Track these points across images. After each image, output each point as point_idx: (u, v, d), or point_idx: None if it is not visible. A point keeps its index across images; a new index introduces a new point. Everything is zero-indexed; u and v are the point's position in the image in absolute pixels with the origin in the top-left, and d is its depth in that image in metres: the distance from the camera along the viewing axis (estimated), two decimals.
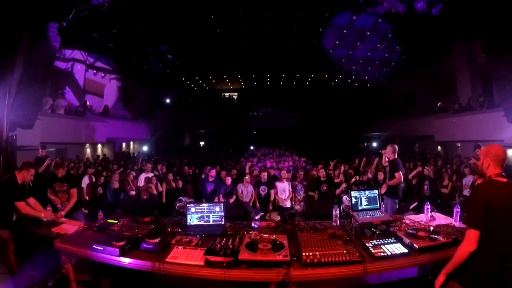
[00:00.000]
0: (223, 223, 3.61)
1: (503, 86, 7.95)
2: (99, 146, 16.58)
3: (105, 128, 15.43)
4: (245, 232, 3.28)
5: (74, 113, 13.53)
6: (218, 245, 2.76)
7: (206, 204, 3.70)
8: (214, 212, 3.64)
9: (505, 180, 2.29)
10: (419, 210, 6.39)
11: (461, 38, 13.46)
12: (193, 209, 3.64)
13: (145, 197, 7.89)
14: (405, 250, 2.89)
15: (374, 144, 19.96)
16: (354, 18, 11.98)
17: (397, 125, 19.13)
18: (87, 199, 8.23)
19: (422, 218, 3.99)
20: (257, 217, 7.07)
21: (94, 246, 2.97)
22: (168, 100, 25.16)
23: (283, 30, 13.48)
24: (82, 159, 13.35)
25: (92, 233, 3.52)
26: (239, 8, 11.22)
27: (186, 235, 3.25)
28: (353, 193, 3.75)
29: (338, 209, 3.84)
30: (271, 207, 7.51)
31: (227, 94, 28.24)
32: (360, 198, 3.73)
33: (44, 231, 4.15)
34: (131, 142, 20.59)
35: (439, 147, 15.36)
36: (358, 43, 14.97)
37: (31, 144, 9.46)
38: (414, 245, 2.93)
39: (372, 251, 2.85)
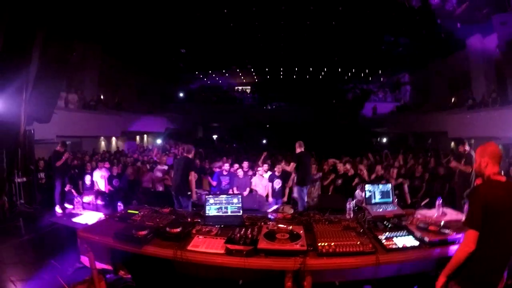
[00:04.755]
0: (240, 214, 3.74)
1: None
2: (114, 139, 16.87)
3: (119, 121, 15.75)
4: (262, 223, 3.40)
5: (88, 107, 13.78)
6: (238, 235, 2.89)
7: (224, 196, 3.83)
8: (232, 203, 3.77)
9: (504, 178, 2.32)
10: (430, 206, 6.45)
11: (476, 32, 13.20)
12: (211, 201, 3.77)
13: (160, 189, 8.08)
14: (416, 243, 2.98)
15: (385, 139, 19.89)
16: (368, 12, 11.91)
17: (409, 121, 18.97)
18: (105, 191, 8.46)
19: (433, 213, 4.05)
20: (270, 210, 7.23)
21: (116, 234, 3.11)
22: (181, 94, 25.38)
23: (296, 24, 13.55)
24: (98, 151, 13.64)
25: (114, 223, 3.63)
26: (252, 2, 11.29)
27: (206, 225, 3.38)
28: (367, 187, 3.85)
29: (352, 202, 3.94)
30: (285, 199, 7.64)
31: (240, 88, 28.33)
32: (374, 192, 3.83)
33: (65, 221, 4.37)
34: (145, 135, 20.91)
35: (452, 143, 15.18)
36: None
37: (48, 137, 9.75)
38: (425, 238, 3.01)
39: (384, 243, 2.95)
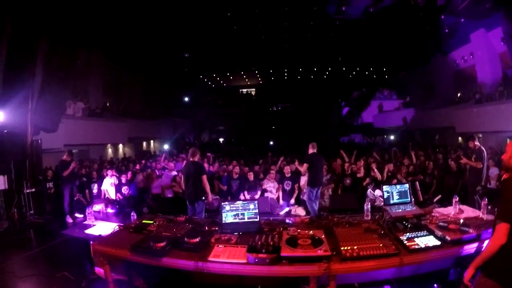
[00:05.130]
0: (257, 220, 3.69)
1: None
2: (121, 146, 16.91)
3: (125, 128, 15.75)
4: (281, 228, 3.36)
5: (94, 115, 13.82)
6: (259, 242, 2.84)
7: (240, 202, 3.78)
8: (249, 209, 3.72)
9: None
10: (442, 202, 6.40)
11: (480, 26, 13.17)
12: (228, 207, 3.73)
13: (169, 195, 8.07)
14: (438, 243, 2.95)
15: (393, 137, 19.80)
16: (371, 10, 11.85)
17: (416, 117, 18.94)
18: (113, 198, 8.44)
19: (450, 211, 4.02)
20: (281, 212, 7.20)
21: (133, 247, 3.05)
22: (186, 99, 25.39)
23: (300, 25, 13.57)
24: (105, 159, 13.65)
25: (129, 234, 3.57)
26: (255, 4, 11.32)
27: (224, 233, 3.34)
28: (385, 188, 3.81)
29: (369, 203, 3.90)
30: (293, 201, 7.61)
31: (244, 90, 28.31)
32: (392, 193, 3.79)
33: (77, 233, 4.28)
34: (151, 141, 20.90)
35: (459, 138, 15.07)
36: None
37: (55, 146, 9.75)
38: (446, 237, 2.98)
39: (407, 244, 2.91)
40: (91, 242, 3.86)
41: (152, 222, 3.80)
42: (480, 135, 13.20)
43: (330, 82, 25.56)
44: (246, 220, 3.70)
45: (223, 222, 3.67)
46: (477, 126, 12.69)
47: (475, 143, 6.54)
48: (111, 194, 8.46)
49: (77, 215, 7.73)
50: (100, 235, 3.89)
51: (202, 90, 26.40)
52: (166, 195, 8.17)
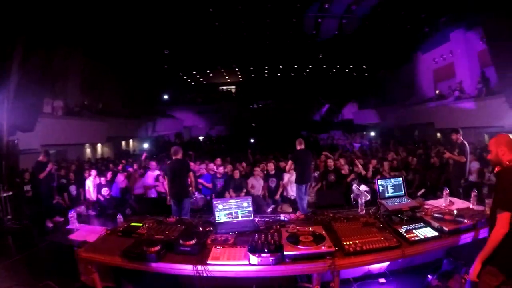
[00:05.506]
0: (252, 218, 3.59)
1: (504, 73, 8.11)
2: (99, 145, 16.36)
3: (104, 127, 15.27)
4: (279, 226, 3.27)
5: (72, 114, 13.29)
6: (259, 242, 2.74)
7: (233, 200, 3.67)
8: (242, 207, 3.62)
9: None
10: (426, 196, 6.52)
11: (459, 25, 13.58)
12: (220, 206, 3.59)
13: (152, 195, 7.83)
14: (436, 233, 3.00)
15: (372, 133, 20.18)
16: (354, 8, 11.99)
17: (396, 114, 19.41)
18: (92, 200, 8.10)
19: (441, 203, 4.10)
20: (268, 210, 7.13)
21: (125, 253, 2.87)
22: (166, 97, 24.86)
23: (282, 22, 13.54)
24: (83, 159, 13.12)
25: (117, 238, 3.37)
26: (238, 0, 11.15)
27: (219, 234, 3.21)
28: (379, 182, 3.82)
29: (363, 198, 3.88)
30: (278, 197, 7.56)
31: (224, 88, 28.06)
32: (387, 186, 3.79)
33: (60, 239, 4.06)
34: (130, 140, 20.34)
35: (438, 134, 15.51)
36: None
37: (32, 147, 9.30)
38: (444, 228, 3.03)
39: (406, 236, 2.93)
40: (75, 248, 3.66)
41: (141, 224, 3.58)
42: (461, 131, 13.69)
43: (310, 79, 25.73)
44: (240, 218, 3.59)
45: (216, 221, 3.54)
46: (456, 122, 12.88)
47: (458, 136, 6.66)
48: (92, 195, 8.12)
49: (57, 219, 7.33)
50: (85, 240, 3.63)
51: (181, 88, 25.95)
52: (149, 195, 7.91)
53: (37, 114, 8.53)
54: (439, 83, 17.44)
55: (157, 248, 2.77)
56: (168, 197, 5.95)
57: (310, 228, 2.99)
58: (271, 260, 2.51)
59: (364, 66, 22.30)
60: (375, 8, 12.03)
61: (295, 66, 23.26)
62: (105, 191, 8.13)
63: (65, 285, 3.95)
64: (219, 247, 2.84)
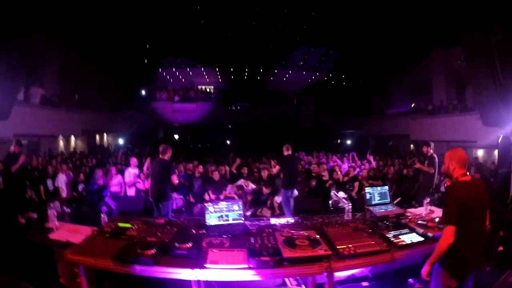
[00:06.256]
0: (242, 221, 3.61)
1: (479, 92, 8.68)
2: (73, 138, 15.64)
3: (80, 119, 14.72)
4: (271, 230, 3.32)
5: (48, 103, 12.65)
6: (257, 245, 2.78)
7: (224, 203, 3.67)
8: (233, 210, 3.63)
9: (469, 178, 2.66)
10: (401, 205, 6.84)
11: (439, 44, 14.17)
12: (211, 209, 3.58)
13: (131, 193, 7.63)
14: (421, 239, 3.18)
15: (348, 142, 20.72)
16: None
17: (372, 124, 20.02)
18: (67, 196, 7.78)
19: (421, 211, 4.31)
20: (248, 213, 7.15)
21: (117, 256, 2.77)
22: (144, 92, 24.22)
23: (268, 26, 13.65)
24: (55, 153, 12.50)
25: (105, 240, 3.23)
26: (227, 0, 11.18)
27: (212, 237, 3.18)
28: (367, 189, 3.99)
29: (350, 204, 4.03)
30: (249, 199, 7.59)
31: (203, 87, 27.77)
32: (374, 194, 3.96)
33: (40, 239, 3.79)
34: (105, 134, 19.65)
35: (411, 146, 16.19)
36: None
37: (3, 135, 8.80)
38: (429, 234, 3.22)
39: (394, 241, 3.09)
40: (56, 248, 3.50)
41: (130, 226, 3.47)
42: (432, 144, 14.37)
43: (289, 85, 26.07)
44: (230, 221, 3.59)
45: (207, 224, 3.52)
46: (430, 135, 13.59)
47: (429, 149, 7.08)
48: (63, 191, 7.78)
49: (30, 214, 6.94)
50: (68, 241, 3.47)
51: (160, 85, 25.47)
52: (127, 193, 7.68)
53: (13, 101, 8.08)
54: (415, 96, 18.20)
55: (152, 251, 2.69)
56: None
57: (304, 233, 3.07)
58: (271, 264, 2.56)
59: (343, 76, 22.89)
60: (357, 21, 12.43)
61: (275, 71, 23.50)
62: (80, 187, 7.84)
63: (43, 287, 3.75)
64: (216, 251, 2.82)
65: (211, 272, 2.59)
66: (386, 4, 9.96)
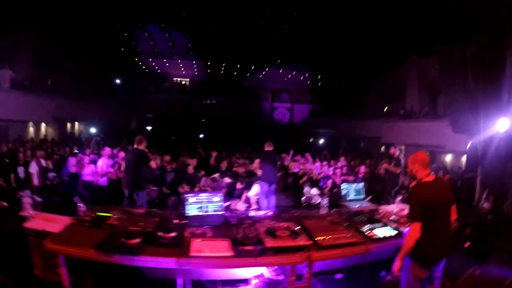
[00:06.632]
0: (222, 213, 3.68)
1: (451, 101, 9.19)
2: (43, 125, 14.97)
3: (52, 105, 14.14)
4: (252, 221, 3.42)
5: (20, 87, 12.10)
6: (239, 235, 2.87)
7: (205, 194, 3.73)
8: (213, 202, 3.68)
9: (432, 178, 2.89)
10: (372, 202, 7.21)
11: (414, 52, 14.62)
12: (192, 199, 3.61)
13: (102, 183, 7.47)
14: (393, 233, 3.39)
15: (321, 141, 21.18)
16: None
17: (345, 124, 20.56)
18: (37, 185, 7.44)
19: (393, 208, 4.56)
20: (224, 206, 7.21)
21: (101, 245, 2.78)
22: (117, 81, 23.45)
23: (249, 22, 13.71)
24: (25, 139, 11.93)
25: (85, 229, 3.18)
26: None
27: (194, 227, 3.24)
28: (343, 186, 4.20)
29: (323, 200, 4.20)
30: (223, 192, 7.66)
31: (178, 79, 27.33)
32: (349, 190, 4.16)
33: (14, 227, 3.72)
34: (76, 123, 18.93)
35: (382, 148, 16.61)
36: None
37: None
38: (400, 229, 3.46)
39: (368, 234, 3.29)
40: (30, 238, 3.41)
41: (110, 215, 3.45)
42: (403, 147, 14.97)
43: (264, 82, 26.26)
44: (210, 212, 3.64)
45: (187, 214, 3.55)
46: (401, 138, 14.25)
47: (395, 151, 7.56)
48: (34, 179, 7.48)
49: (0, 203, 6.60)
50: (44, 230, 3.36)
51: (135, 74, 24.83)
52: (99, 182, 7.50)
53: None
54: (388, 101, 18.82)
55: (137, 240, 2.71)
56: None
57: (285, 224, 3.20)
58: (255, 253, 2.66)
59: (319, 76, 23.32)
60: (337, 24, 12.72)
61: (252, 67, 23.57)
62: (52, 176, 7.55)
63: (15, 279, 3.59)
64: (199, 240, 2.88)
65: (195, 261, 2.65)
66: (367, 10, 10.27)
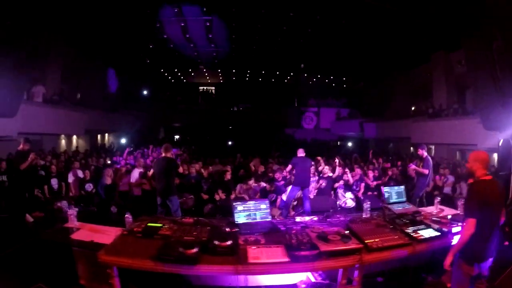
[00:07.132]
0: (269, 219, 3.79)
1: (481, 97, 8.95)
2: (75, 137, 15.65)
3: (83, 118, 14.68)
4: (300, 227, 3.53)
5: (51, 102, 12.69)
6: (293, 241, 2.98)
7: (252, 202, 3.86)
8: (260, 209, 3.80)
9: (490, 177, 2.94)
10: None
11: (440, 47, 14.29)
12: (240, 207, 3.75)
13: (136, 193, 7.74)
14: (438, 233, 3.44)
15: (349, 144, 20.98)
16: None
17: (374, 126, 20.25)
18: (74, 195, 7.80)
19: (432, 210, 4.64)
20: None
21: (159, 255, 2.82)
22: (145, 92, 24.24)
23: (273, 28, 13.83)
24: (58, 151, 12.52)
25: (137, 240, 3.24)
26: (233, 3, 11.37)
27: (244, 234, 3.35)
28: (385, 189, 4.27)
29: (369, 203, 4.26)
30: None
31: (204, 88, 27.84)
32: (391, 193, 4.23)
33: (60, 238, 3.75)
34: (106, 134, 19.66)
35: (411, 148, 16.35)
36: None
37: (8, 134, 8.88)
38: (444, 229, 3.52)
39: (414, 235, 3.33)
40: (75, 249, 3.52)
41: (161, 225, 3.53)
42: (433, 147, 14.66)
43: (290, 87, 26.26)
44: (258, 220, 3.75)
45: (237, 222, 3.67)
46: (431, 138, 14.02)
47: (423, 151, 7.42)
48: (71, 190, 7.85)
49: (37, 213, 6.92)
50: (92, 241, 3.50)
51: (161, 85, 25.47)
52: (135, 193, 7.76)
53: (20, 99, 8.11)
54: (415, 100, 18.39)
55: (195, 250, 2.78)
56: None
57: (334, 229, 3.30)
58: (310, 257, 2.77)
59: (344, 78, 23.21)
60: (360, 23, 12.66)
61: (277, 73, 23.65)
62: (88, 186, 7.90)
63: None
64: (254, 247, 2.97)
65: (254, 268, 2.76)
66: (391, 7, 10.17)
